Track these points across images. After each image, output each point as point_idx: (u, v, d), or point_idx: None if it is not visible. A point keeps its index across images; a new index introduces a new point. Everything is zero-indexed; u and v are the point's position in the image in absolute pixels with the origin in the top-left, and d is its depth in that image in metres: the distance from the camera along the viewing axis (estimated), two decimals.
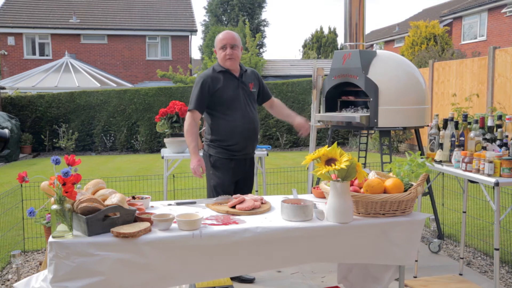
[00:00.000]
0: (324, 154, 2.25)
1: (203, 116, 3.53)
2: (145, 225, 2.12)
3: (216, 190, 3.43)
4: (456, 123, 3.36)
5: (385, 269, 2.52)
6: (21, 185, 4.39)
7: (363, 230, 2.27)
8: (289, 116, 3.74)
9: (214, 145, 3.48)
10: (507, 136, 3.08)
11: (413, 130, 5.54)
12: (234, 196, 2.64)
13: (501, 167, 2.85)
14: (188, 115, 3.45)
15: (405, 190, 2.35)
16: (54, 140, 13.47)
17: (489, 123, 3.19)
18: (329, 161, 2.24)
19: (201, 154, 3.54)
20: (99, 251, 2.00)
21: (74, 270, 1.98)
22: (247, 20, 26.39)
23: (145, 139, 13.69)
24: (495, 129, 3.19)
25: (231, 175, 3.47)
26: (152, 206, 2.58)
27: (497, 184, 2.81)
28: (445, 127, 3.40)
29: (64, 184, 2.04)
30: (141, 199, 2.56)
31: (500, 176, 2.86)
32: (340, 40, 29.71)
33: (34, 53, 22.22)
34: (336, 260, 2.36)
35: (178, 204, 2.63)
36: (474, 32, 20.91)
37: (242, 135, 3.44)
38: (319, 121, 4.60)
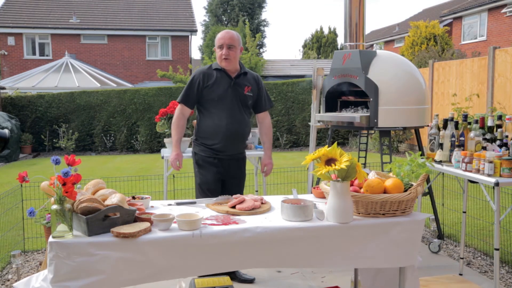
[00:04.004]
0: (324, 154, 2.25)
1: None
2: (145, 225, 2.12)
3: (201, 188, 3.42)
4: (456, 123, 3.36)
5: (405, 271, 2.46)
6: (21, 185, 4.39)
7: (363, 230, 2.27)
8: (263, 145, 3.73)
9: (197, 143, 3.48)
10: (507, 136, 3.08)
11: (413, 130, 5.54)
12: (234, 196, 2.63)
13: (501, 167, 2.85)
14: (177, 108, 3.49)
15: (405, 190, 2.35)
16: (54, 140, 13.47)
17: (489, 123, 3.20)
18: (329, 161, 2.24)
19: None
20: (99, 251, 2.00)
21: (74, 269, 1.98)
22: (247, 20, 26.38)
23: (145, 139, 13.69)
24: (495, 129, 3.19)
25: (215, 173, 3.42)
26: (152, 206, 2.58)
27: (497, 184, 2.81)
28: (445, 127, 3.40)
29: (64, 184, 2.03)
30: (141, 199, 2.56)
31: (500, 176, 2.86)
32: (340, 40, 29.70)
33: (34, 53, 22.22)
34: (336, 263, 2.34)
35: (178, 204, 2.63)
36: (474, 32, 20.90)
37: (225, 135, 3.38)
38: (319, 121, 4.60)
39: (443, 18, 22.19)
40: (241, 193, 3.47)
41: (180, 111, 3.46)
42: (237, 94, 3.43)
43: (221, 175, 3.45)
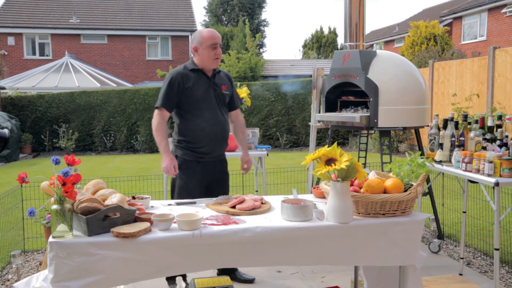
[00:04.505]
0: (324, 154, 2.25)
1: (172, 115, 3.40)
2: (145, 225, 2.12)
3: (180, 192, 3.30)
4: (456, 123, 3.36)
5: (407, 270, 2.46)
6: (21, 185, 4.39)
7: (363, 230, 2.27)
8: (241, 143, 3.68)
9: (181, 146, 3.35)
10: (507, 136, 3.08)
11: (413, 130, 5.54)
12: (234, 196, 2.63)
13: (501, 167, 2.85)
14: (156, 113, 3.30)
15: (405, 190, 2.35)
16: (54, 140, 13.47)
17: (489, 123, 3.20)
18: (329, 161, 2.24)
19: None
20: (99, 251, 2.00)
21: (74, 269, 1.98)
22: (247, 20, 26.38)
23: (145, 139, 13.69)
24: (495, 129, 3.19)
25: (197, 179, 3.32)
26: (152, 206, 2.58)
27: (497, 184, 2.81)
28: (445, 127, 3.41)
29: (64, 184, 2.03)
30: (141, 199, 2.56)
31: (500, 176, 2.86)
32: (340, 40, 29.71)
33: (34, 53, 22.22)
34: (336, 261, 2.34)
35: (178, 204, 2.63)
36: (474, 32, 20.91)
37: (210, 137, 3.31)
38: (319, 121, 4.60)
39: (443, 18, 22.19)
40: (227, 193, 3.43)
41: (160, 116, 3.28)
42: (216, 94, 3.36)
43: (204, 179, 3.35)
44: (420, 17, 25.41)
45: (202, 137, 3.30)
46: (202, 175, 3.34)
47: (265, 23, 32.06)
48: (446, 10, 22.87)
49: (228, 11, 31.28)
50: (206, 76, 3.34)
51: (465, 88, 9.55)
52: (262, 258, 2.23)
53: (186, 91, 3.26)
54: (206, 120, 3.29)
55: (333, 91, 4.48)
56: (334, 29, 30.39)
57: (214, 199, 2.62)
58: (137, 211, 2.25)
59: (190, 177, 3.32)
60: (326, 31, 30.36)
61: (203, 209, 2.53)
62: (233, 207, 2.48)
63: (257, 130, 4.67)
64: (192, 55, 3.40)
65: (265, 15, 66.61)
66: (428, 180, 4.31)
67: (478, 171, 2.97)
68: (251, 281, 3.62)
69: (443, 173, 4.25)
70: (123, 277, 2.06)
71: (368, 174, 2.46)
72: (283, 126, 13.97)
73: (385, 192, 2.32)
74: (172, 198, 3.41)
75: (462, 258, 3.85)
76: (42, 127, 13.53)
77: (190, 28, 23.28)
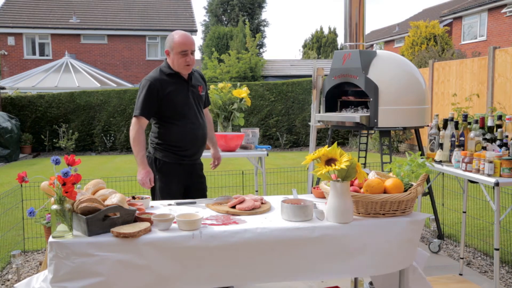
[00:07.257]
0: (324, 154, 2.25)
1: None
2: (145, 225, 2.11)
3: (161, 193, 3.24)
4: (456, 123, 3.36)
5: (407, 270, 2.45)
6: (21, 185, 4.39)
7: (363, 230, 2.27)
8: (211, 140, 3.63)
9: (161, 148, 3.25)
10: (507, 136, 3.08)
11: (413, 130, 5.54)
12: (234, 196, 2.63)
13: (501, 167, 2.85)
14: (134, 122, 3.16)
15: (405, 190, 2.35)
16: (54, 140, 13.47)
17: (489, 123, 3.20)
18: (329, 161, 2.24)
19: None
20: (99, 251, 2.00)
21: (74, 270, 1.98)
22: (247, 20, 26.37)
23: None
24: (495, 129, 3.19)
25: (178, 181, 3.28)
26: (152, 206, 2.58)
27: (497, 184, 2.81)
28: (445, 127, 3.41)
29: (64, 184, 2.03)
30: (141, 199, 2.56)
31: (500, 176, 2.86)
32: (340, 40, 29.71)
33: (34, 53, 22.22)
34: (335, 263, 2.33)
35: (178, 204, 2.63)
36: (474, 32, 20.91)
37: (193, 141, 3.27)
38: (319, 121, 4.60)
39: (443, 18, 22.19)
40: (205, 195, 3.42)
41: (139, 125, 3.15)
42: (195, 96, 3.31)
43: (184, 181, 3.31)
44: (420, 17, 25.42)
45: (186, 140, 3.25)
46: (182, 177, 3.30)
47: (265, 23, 32.03)
48: (446, 10, 22.87)
49: (228, 11, 31.27)
50: (184, 80, 3.26)
51: (465, 88, 9.55)
52: (263, 262, 2.20)
53: (166, 97, 3.17)
54: (187, 124, 3.23)
55: (333, 91, 4.48)
56: (334, 29, 30.40)
57: (214, 199, 2.62)
58: (137, 211, 2.25)
59: (171, 180, 3.26)
60: (326, 31, 30.36)
61: (203, 209, 2.53)
62: (233, 207, 2.48)
63: (257, 130, 4.67)
64: (166, 58, 3.31)
65: (265, 15, 66.69)
66: (428, 180, 4.31)
67: (478, 171, 2.97)
68: None
69: (443, 173, 4.25)
70: (122, 281, 2.03)
71: (368, 174, 2.46)
72: (283, 126, 13.96)
73: (385, 192, 2.32)
74: (153, 200, 3.34)
75: (462, 258, 3.85)
76: (42, 127, 13.52)
77: (190, 28, 23.28)
